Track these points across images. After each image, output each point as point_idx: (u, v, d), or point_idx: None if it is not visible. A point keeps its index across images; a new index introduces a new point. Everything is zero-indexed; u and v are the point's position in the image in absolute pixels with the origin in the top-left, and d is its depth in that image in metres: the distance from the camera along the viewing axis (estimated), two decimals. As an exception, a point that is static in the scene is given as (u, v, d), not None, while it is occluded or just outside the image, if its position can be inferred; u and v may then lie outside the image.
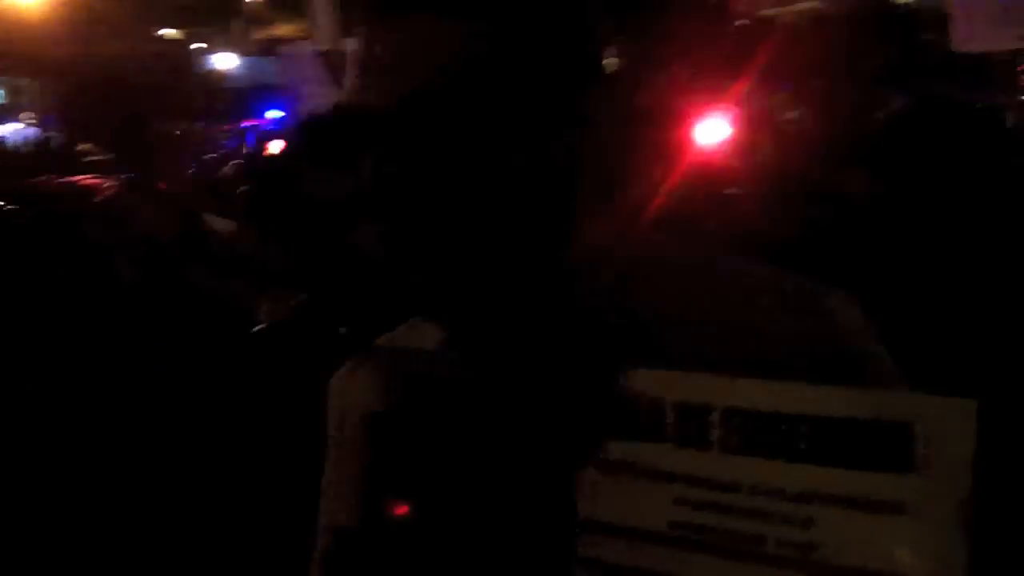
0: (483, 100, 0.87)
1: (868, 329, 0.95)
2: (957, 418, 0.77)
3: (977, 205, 1.82)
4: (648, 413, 0.86)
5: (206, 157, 9.65)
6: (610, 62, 1.07)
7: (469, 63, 0.87)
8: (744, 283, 0.95)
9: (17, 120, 18.67)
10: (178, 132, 11.07)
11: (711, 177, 3.42)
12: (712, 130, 3.82)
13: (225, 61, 21.11)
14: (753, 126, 4.11)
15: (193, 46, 21.33)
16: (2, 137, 16.49)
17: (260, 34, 19.59)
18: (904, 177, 1.87)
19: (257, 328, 2.14)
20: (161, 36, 20.76)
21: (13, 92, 20.56)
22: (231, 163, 6.20)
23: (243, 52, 20.66)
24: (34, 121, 18.41)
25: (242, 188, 2.61)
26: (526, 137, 0.89)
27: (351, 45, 1.03)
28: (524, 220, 0.90)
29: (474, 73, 0.87)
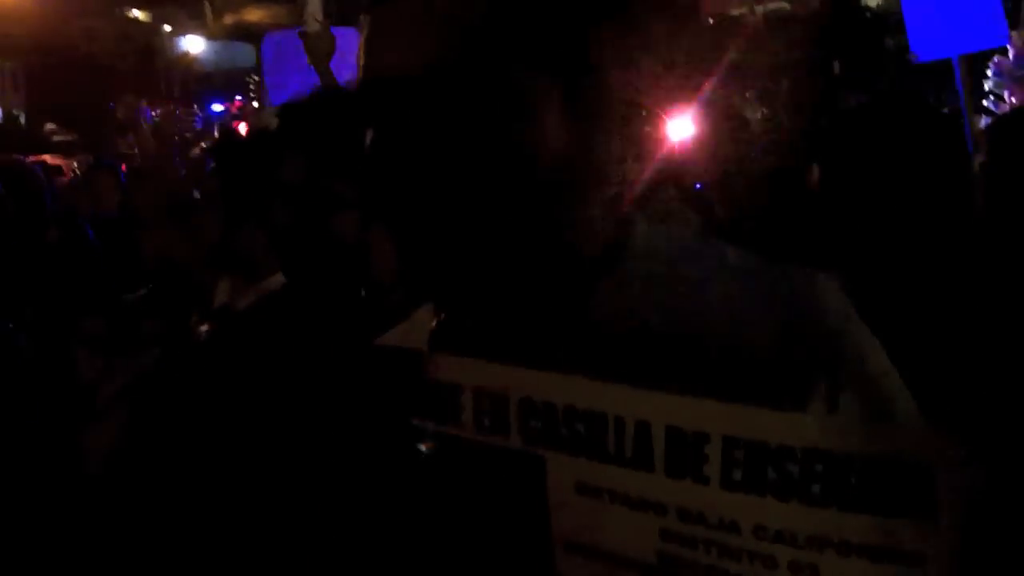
0: (484, 82, 0.88)
1: (850, 309, 0.93)
2: (981, 463, 0.70)
3: (928, 200, 1.87)
4: (634, 438, 0.79)
5: (174, 140, 9.60)
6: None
7: (471, 43, 0.88)
8: (733, 266, 0.95)
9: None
10: (155, 113, 10.91)
11: (681, 172, 3.48)
12: (681, 127, 3.87)
13: (194, 44, 20.89)
14: (720, 123, 4.15)
15: (162, 28, 21.06)
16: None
17: (229, 18, 19.40)
18: (859, 172, 1.92)
19: (211, 313, 2.14)
20: (129, 17, 20.49)
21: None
22: (200, 145, 6.17)
23: (212, 36, 20.45)
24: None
25: (212, 169, 2.61)
26: (524, 122, 0.89)
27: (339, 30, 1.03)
28: (523, 206, 0.88)
29: (476, 53, 0.87)
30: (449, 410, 0.88)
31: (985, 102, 8.37)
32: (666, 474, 0.77)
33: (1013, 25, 7.06)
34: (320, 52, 3.49)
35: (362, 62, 0.97)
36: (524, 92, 0.89)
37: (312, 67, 3.64)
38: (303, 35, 3.67)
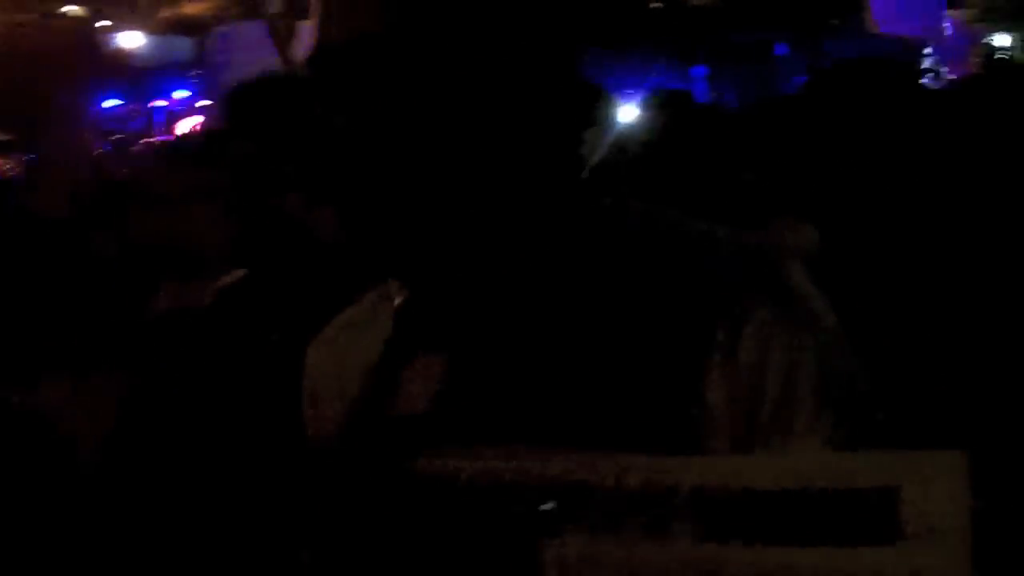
0: (442, 56, 0.88)
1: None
2: (944, 474, 0.69)
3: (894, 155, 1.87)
4: (609, 502, 0.78)
5: (115, 137, 9.48)
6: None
7: (425, 16, 0.87)
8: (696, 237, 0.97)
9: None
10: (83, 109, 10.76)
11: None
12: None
13: (131, 40, 20.58)
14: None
15: (98, 24, 20.75)
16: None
17: (167, 12, 19.14)
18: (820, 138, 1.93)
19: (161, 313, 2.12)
20: (63, 12, 20.14)
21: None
22: (141, 142, 6.10)
23: (149, 30, 20.16)
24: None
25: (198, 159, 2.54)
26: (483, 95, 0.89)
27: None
28: (487, 180, 0.89)
29: (434, 25, 0.87)
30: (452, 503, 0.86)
31: (924, 80, 8.53)
32: (646, 533, 0.77)
33: (951, 5, 7.21)
34: (282, 34, 3.49)
35: (316, 38, 0.97)
36: (480, 66, 0.89)
37: (262, 60, 3.64)
38: (268, 17, 3.67)
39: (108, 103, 13.86)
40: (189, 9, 17.53)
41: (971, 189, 1.96)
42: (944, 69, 8.70)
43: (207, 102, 12.84)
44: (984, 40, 12.68)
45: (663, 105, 2.49)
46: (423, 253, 0.92)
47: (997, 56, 10.75)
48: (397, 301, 1.00)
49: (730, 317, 0.92)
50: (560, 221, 0.93)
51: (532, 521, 0.81)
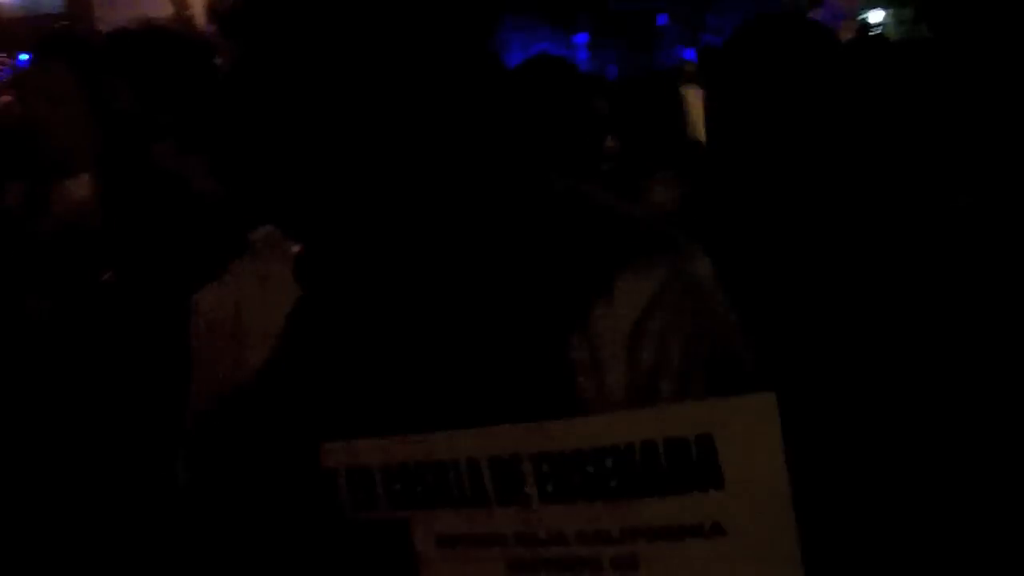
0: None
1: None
2: (756, 418, 0.71)
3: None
4: (466, 476, 0.80)
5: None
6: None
7: None
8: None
9: None
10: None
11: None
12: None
13: (-4, -11, 19.59)
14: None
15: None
16: None
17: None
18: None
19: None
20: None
21: None
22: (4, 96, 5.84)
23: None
24: None
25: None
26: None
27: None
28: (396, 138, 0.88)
29: None
30: (328, 494, 0.88)
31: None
32: (498, 504, 0.79)
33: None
34: None
35: None
36: (372, 18, 0.87)
37: (134, 13, 3.52)
38: None
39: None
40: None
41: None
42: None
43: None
44: (859, 16, 13.03)
45: (535, 71, 2.51)
46: (321, 208, 0.91)
47: (872, 33, 11.07)
48: (294, 250, 0.99)
49: (606, 281, 0.94)
50: (447, 177, 0.94)
51: (399, 503, 0.84)
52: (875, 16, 13.11)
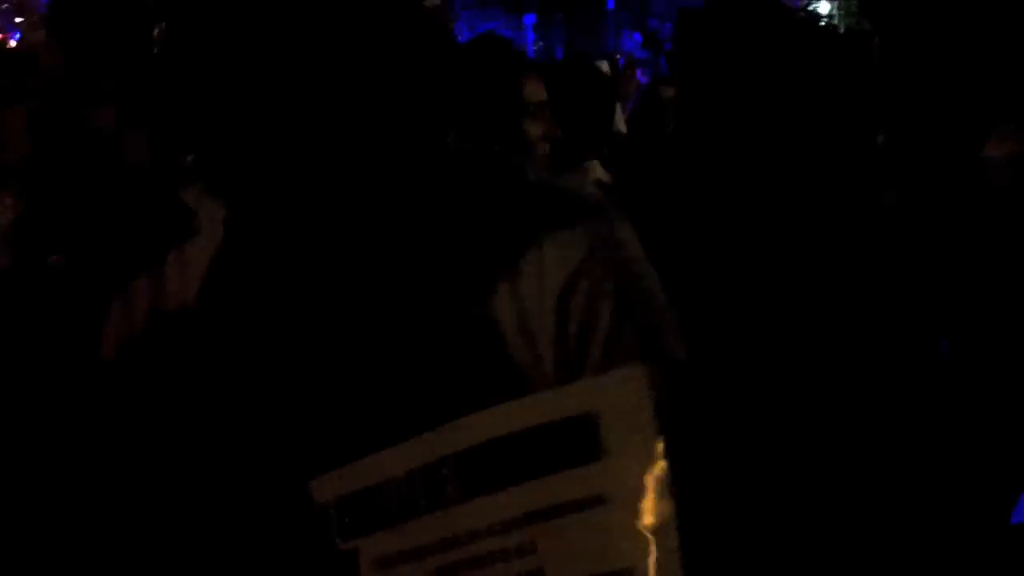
0: None
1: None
2: (628, 391, 0.75)
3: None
4: (403, 492, 0.81)
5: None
6: None
7: None
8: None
9: None
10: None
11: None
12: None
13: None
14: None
15: None
16: None
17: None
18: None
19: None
20: None
21: None
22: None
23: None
24: None
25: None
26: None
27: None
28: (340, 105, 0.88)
29: None
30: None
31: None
32: (427, 512, 0.80)
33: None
34: None
35: None
36: None
37: None
38: None
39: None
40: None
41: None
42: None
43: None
44: (810, 7, 13.15)
45: (477, 51, 2.51)
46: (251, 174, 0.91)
47: (821, 24, 11.16)
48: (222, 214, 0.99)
49: (534, 245, 0.94)
50: (375, 142, 0.94)
51: (350, 533, 0.84)
52: (824, 7, 13.22)
